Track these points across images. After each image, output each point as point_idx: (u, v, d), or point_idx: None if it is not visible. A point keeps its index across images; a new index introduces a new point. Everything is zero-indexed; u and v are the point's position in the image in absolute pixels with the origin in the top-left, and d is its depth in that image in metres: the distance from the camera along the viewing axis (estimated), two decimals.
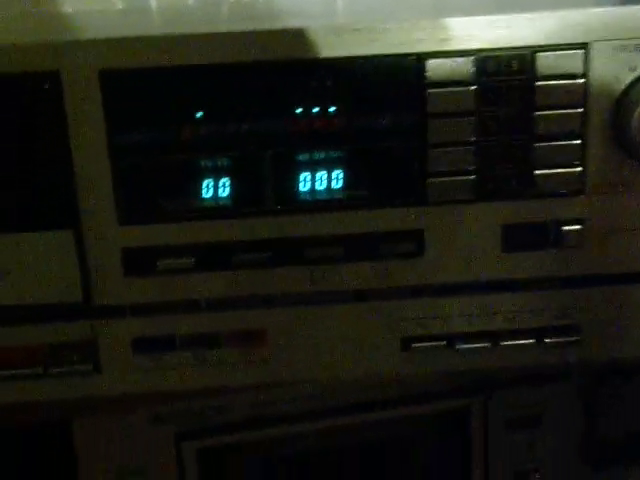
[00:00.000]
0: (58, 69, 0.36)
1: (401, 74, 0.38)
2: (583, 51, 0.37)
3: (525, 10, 0.38)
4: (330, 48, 0.37)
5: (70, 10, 0.68)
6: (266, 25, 0.38)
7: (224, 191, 0.39)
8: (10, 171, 0.37)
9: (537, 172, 0.39)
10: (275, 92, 0.38)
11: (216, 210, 0.39)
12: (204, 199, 0.39)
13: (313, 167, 0.39)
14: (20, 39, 0.37)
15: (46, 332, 0.40)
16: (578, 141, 0.38)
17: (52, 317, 0.40)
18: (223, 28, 0.38)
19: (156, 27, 0.52)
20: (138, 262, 0.39)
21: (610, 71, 0.38)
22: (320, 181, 0.39)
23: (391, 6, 0.45)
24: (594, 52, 0.37)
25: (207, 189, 0.39)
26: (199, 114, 0.38)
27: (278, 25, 0.38)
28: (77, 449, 0.45)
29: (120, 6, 0.70)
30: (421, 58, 0.37)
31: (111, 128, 0.37)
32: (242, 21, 0.53)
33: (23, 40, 0.37)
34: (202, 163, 0.38)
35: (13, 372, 0.40)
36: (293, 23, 0.38)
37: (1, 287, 0.38)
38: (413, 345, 0.41)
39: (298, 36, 0.37)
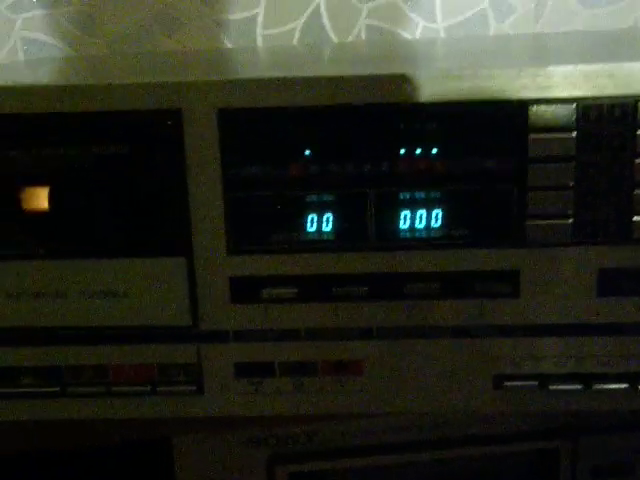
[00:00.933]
0: (180, 108, 0.39)
1: (504, 119, 0.39)
2: None
3: (625, 59, 0.39)
4: (435, 93, 0.39)
5: (182, 48, 0.72)
6: (364, 70, 0.40)
7: (327, 226, 0.41)
8: (133, 200, 0.40)
9: (635, 218, 0.39)
10: (380, 134, 0.40)
11: (319, 244, 0.41)
12: (308, 233, 0.41)
13: (414, 206, 0.40)
14: (147, 78, 0.40)
15: (156, 353, 0.42)
16: None
17: (162, 339, 0.42)
18: (327, 71, 0.41)
19: (265, 68, 0.55)
20: (244, 290, 0.41)
21: None
22: (420, 219, 0.40)
23: (494, 53, 0.47)
24: None
25: (311, 223, 0.41)
26: (307, 152, 0.40)
27: (377, 70, 0.40)
28: (176, 466, 0.47)
29: (229, 45, 0.74)
30: (524, 104, 0.38)
31: (226, 163, 0.40)
32: (342, 64, 0.55)
33: (150, 79, 0.40)
34: (308, 199, 0.40)
35: (125, 389, 0.42)
36: (396, 68, 0.40)
37: (118, 308, 0.41)
38: (505, 383, 0.42)
39: (404, 81, 0.39)
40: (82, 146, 0.39)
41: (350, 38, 0.76)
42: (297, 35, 0.75)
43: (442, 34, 0.77)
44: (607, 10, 0.77)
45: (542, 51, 0.59)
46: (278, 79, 0.39)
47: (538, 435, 0.49)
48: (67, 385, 0.43)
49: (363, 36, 0.76)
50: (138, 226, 0.41)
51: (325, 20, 0.75)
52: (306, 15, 0.74)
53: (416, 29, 0.77)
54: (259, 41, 0.74)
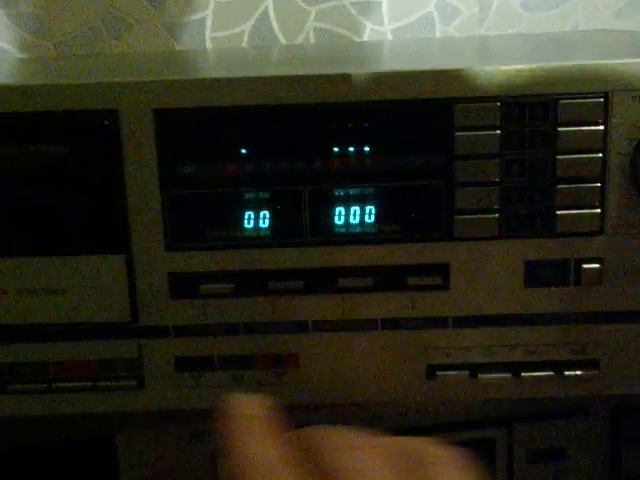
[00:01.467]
0: (117, 108, 0.40)
1: (432, 118, 0.40)
2: (603, 99, 0.40)
3: (552, 60, 0.41)
4: (366, 92, 0.40)
5: (131, 51, 0.73)
6: (309, 70, 0.42)
7: (264, 222, 0.42)
8: (70, 199, 0.41)
9: (558, 212, 0.41)
10: (314, 132, 0.41)
11: (256, 240, 0.42)
12: (245, 229, 0.42)
13: (347, 202, 0.42)
14: (84, 79, 0.41)
15: (96, 349, 0.43)
16: (598, 184, 0.40)
17: (102, 335, 0.43)
18: (270, 72, 0.42)
19: (210, 69, 0.56)
20: (182, 286, 0.42)
21: (629, 118, 0.40)
22: (354, 215, 0.42)
23: (436, 55, 0.48)
24: (614, 100, 0.40)
25: (248, 220, 0.42)
26: (243, 151, 0.41)
27: (321, 70, 0.41)
28: (119, 462, 0.48)
29: (177, 48, 0.74)
30: (450, 103, 0.40)
31: (163, 162, 0.41)
32: (288, 65, 0.56)
33: (87, 80, 0.41)
34: (245, 196, 0.41)
35: (66, 385, 0.43)
36: (335, 69, 0.41)
37: (57, 305, 0.42)
38: (437, 373, 0.43)
39: (336, 81, 0.40)
40: (20, 145, 0.40)
41: (299, 40, 0.77)
42: (246, 38, 0.76)
43: (389, 36, 0.78)
44: (549, 14, 0.80)
45: (485, 52, 0.60)
46: (212, 79, 0.40)
47: (474, 425, 0.50)
48: (7, 382, 0.43)
49: (312, 39, 0.77)
50: (76, 224, 0.41)
51: (274, 22, 0.76)
52: (254, 18, 0.75)
53: (364, 32, 0.78)
54: (208, 44, 0.75)
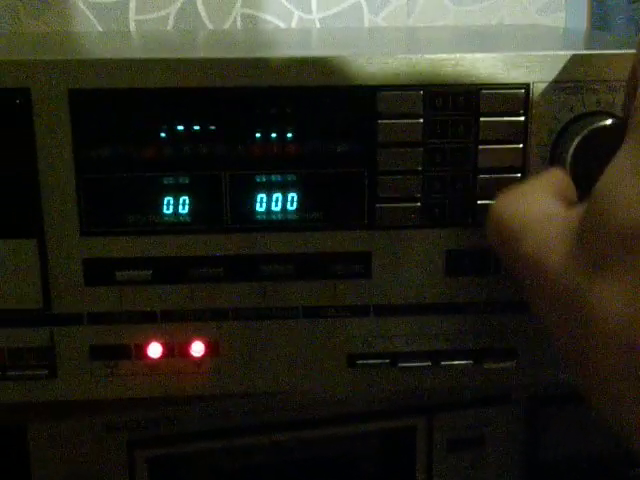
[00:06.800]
0: (29, 87, 0.38)
1: (355, 105, 0.40)
2: (524, 90, 0.40)
3: (471, 47, 0.41)
4: (289, 78, 0.40)
5: (50, 30, 0.70)
6: (233, 54, 0.41)
7: (184, 208, 0.41)
8: None
9: (479, 202, 0.41)
10: (235, 117, 0.40)
11: (175, 226, 0.41)
12: (164, 215, 0.41)
13: (269, 189, 0.41)
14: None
15: (5, 337, 0.41)
16: (518, 174, 0.41)
17: (12, 322, 0.41)
18: (193, 55, 0.41)
19: (130, 50, 0.55)
20: (98, 272, 0.41)
21: (549, 110, 0.40)
22: (275, 202, 0.41)
23: (363, 43, 0.48)
24: (535, 92, 0.40)
25: (167, 206, 0.41)
26: (163, 135, 0.40)
27: (245, 55, 0.40)
28: (31, 454, 0.47)
29: (100, 29, 0.72)
30: (373, 90, 0.40)
31: (78, 144, 0.39)
32: (212, 49, 0.55)
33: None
34: (163, 181, 0.40)
35: None
36: (259, 54, 0.40)
37: None
38: (358, 362, 0.43)
39: (258, 65, 0.39)
40: None
41: (226, 26, 0.76)
42: (171, 21, 0.74)
43: (317, 25, 0.78)
44: (476, 8, 0.80)
45: (412, 42, 0.60)
46: (131, 60, 0.39)
47: (395, 414, 0.51)
48: None
49: (239, 25, 0.76)
50: None
51: (200, 6, 0.75)
52: (180, 1, 0.74)
53: (292, 19, 0.77)
54: (132, 26, 0.73)
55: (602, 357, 0.28)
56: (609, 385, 0.28)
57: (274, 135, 0.40)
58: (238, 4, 0.76)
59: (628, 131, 0.30)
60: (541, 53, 0.40)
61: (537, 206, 0.34)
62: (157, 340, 0.42)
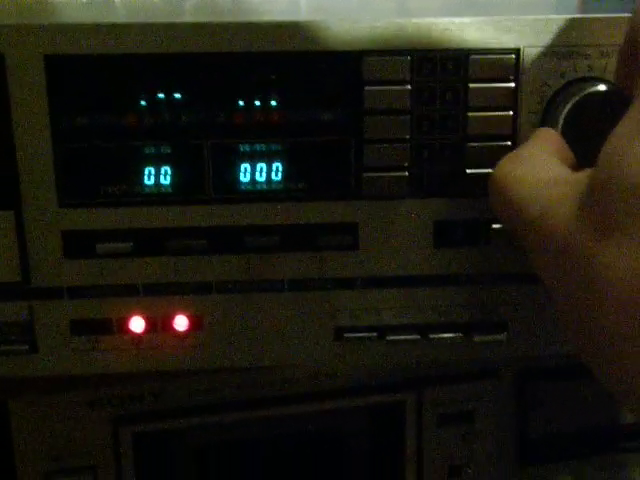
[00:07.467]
0: (3, 52, 0.37)
1: (340, 71, 0.39)
2: (514, 56, 0.39)
3: (464, 14, 0.39)
4: (273, 43, 0.38)
5: None
6: (217, 19, 0.39)
7: (165, 179, 0.40)
8: None
9: (469, 171, 0.40)
10: (218, 84, 0.39)
11: (156, 197, 0.40)
12: (145, 185, 0.40)
13: (253, 158, 0.40)
14: None
15: None
16: (509, 142, 0.40)
17: None
18: (175, 19, 0.39)
19: (111, 15, 0.53)
20: (77, 245, 0.40)
21: (540, 76, 0.39)
22: (260, 172, 0.40)
23: (351, 7, 0.46)
24: (525, 57, 0.39)
25: (148, 176, 0.40)
26: (142, 102, 0.39)
27: (231, 19, 0.39)
28: (13, 431, 0.46)
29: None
30: (359, 56, 0.38)
31: (55, 112, 0.38)
32: (196, 15, 0.54)
33: None
34: (144, 150, 0.39)
35: None
36: (245, 19, 0.39)
37: None
38: (345, 335, 0.42)
39: (240, 30, 0.38)
40: None
41: None
42: None
43: None
44: None
45: (400, 7, 0.59)
46: (110, 24, 0.38)
47: (384, 388, 0.50)
48: None
49: None
50: None
51: None
52: None
53: None
54: None
55: (607, 319, 0.27)
56: (613, 347, 0.27)
57: (257, 103, 0.39)
58: None
59: (634, 94, 0.30)
60: (531, 17, 0.39)
61: (541, 170, 0.34)
62: (139, 314, 0.41)
